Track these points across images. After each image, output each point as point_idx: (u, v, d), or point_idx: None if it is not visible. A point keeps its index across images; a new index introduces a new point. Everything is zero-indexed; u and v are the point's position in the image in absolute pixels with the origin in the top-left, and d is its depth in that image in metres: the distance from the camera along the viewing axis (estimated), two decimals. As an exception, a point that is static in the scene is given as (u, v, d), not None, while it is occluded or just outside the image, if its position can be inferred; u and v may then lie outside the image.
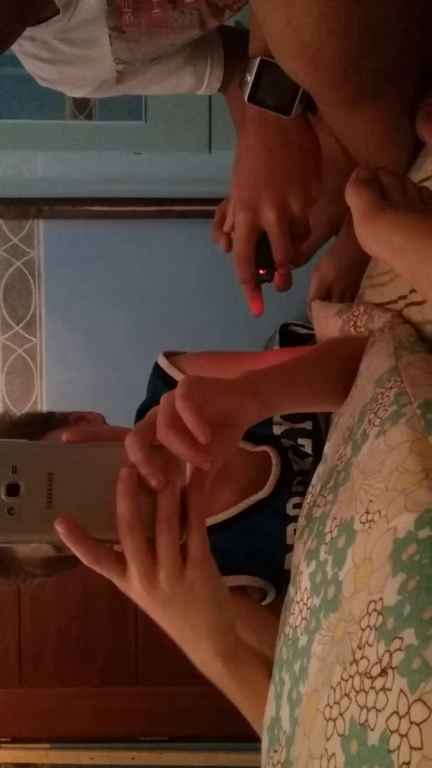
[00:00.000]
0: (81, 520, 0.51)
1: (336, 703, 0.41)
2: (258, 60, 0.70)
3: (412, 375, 0.55)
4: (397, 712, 0.35)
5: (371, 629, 0.41)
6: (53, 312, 1.81)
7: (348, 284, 1.00)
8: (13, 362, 1.84)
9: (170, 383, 0.91)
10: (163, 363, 0.93)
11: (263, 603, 0.92)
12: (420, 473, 0.44)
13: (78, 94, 0.92)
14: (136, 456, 0.51)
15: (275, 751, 0.48)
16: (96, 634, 1.88)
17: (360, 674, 0.40)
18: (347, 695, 0.40)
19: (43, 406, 1.83)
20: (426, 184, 0.70)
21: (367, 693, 0.39)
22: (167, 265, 1.77)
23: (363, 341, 0.73)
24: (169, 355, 0.95)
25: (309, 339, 1.10)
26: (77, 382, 1.83)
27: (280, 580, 0.89)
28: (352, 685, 0.40)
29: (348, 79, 0.60)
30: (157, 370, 0.94)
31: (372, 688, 0.38)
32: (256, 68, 0.70)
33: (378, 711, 0.37)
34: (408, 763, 0.32)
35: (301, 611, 0.52)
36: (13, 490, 0.50)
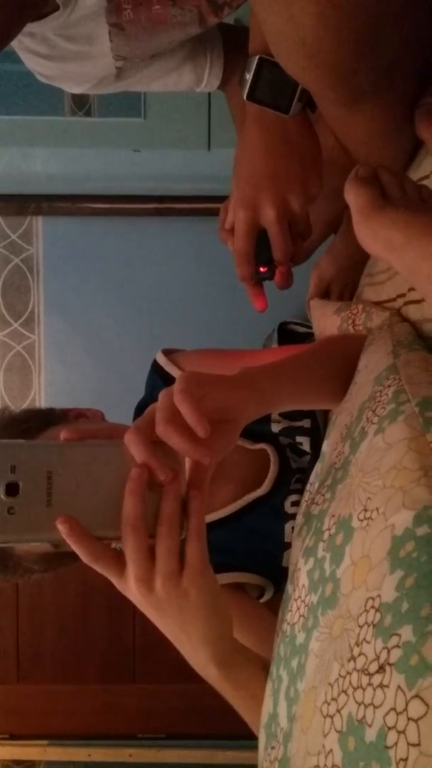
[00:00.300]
0: (80, 518, 0.51)
1: (334, 699, 0.41)
2: (257, 58, 0.70)
3: (410, 373, 0.55)
4: (394, 709, 0.35)
5: (369, 626, 0.41)
6: (52, 309, 1.81)
7: (347, 282, 1.00)
8: (11, 359, 1.83)
9: (168, 380, 0.91)
10: (162, 360, 0.93)
11: (261, 600, 0.93)
12: (418, 471, 0.44)
13: (77, 90, 0.92)
14: (138, 452, 0.51)
15: (272, 748, 0.48)
16: (94, 631, 1.88)
17: (358, 671, 0.40)
18: (345, 692, 0.40)
19: (42, 403, 1.83)
20: (425, 182, 0.70)
21: (364, 690, 0.39)
22: (166, 263, 1.77)
23: (361, 339, 0.73)
24: (167, 353, 0.95)
25: (308, 337, 1.10)
26: (76, 379, 1.83)
27: (278, 577, 0.89)
28: (350, 682, 0.40)
29: (347, 78, 0.60)
30: (156, 367, 0.94)
31: (370, 684, 0.38)
32: (255, 66, 0.70)
33: (376, 707, 0.37)
34: (405, 760, 0.33)
35: (299, 608, 0.52)
36: (12, 489, 0.51)
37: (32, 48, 0.83)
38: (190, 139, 1.60)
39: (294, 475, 0.90)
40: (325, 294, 1.03)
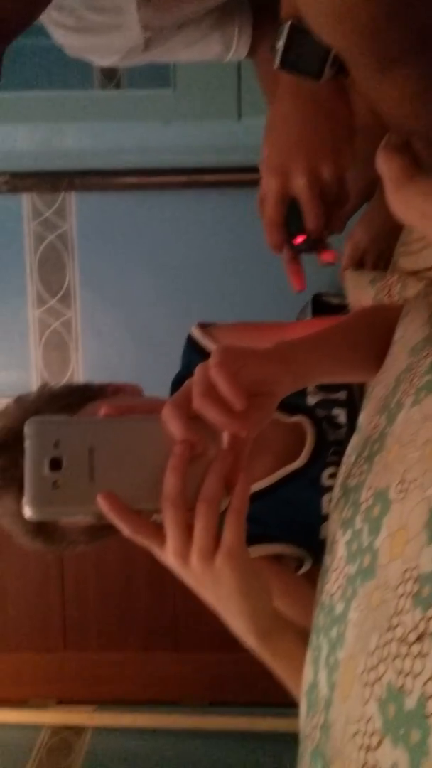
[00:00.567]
0: (121, 492, 0.52)
1: (373, 668, 0.42)
2: (288, 24, 0.69)
3: (447, 343, 0.55)
4: (433, 678, 0.35)
5: (407, 596, 0.41)
6: (87, 285, 1.82)
7: (381, 251, 0.98)
8: (49, 336, 1.86)
9: (204, 354, 0.91)
10: (197, 334, 0.94)
11: (300, 572, 0.94)
12: (456, 442, 0.43)
13: (106, 62, 0.92)
14: (175, 427, 0.52)
15: (314, 715, 0.49)
16: (137, 601, 1.92)
17: (397, 640, 0.40)
18: (384, 661, 0.41)
19: (80, 379, 1.85)
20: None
21: (403, 659, 0.39)
22: (199, 236, 1.76)
23: (397, 310, 0.72)
24: (202, 326, 0.95)
25: (342, 309, 1.09)
26: (113, 354, 1.84)
27: (317, 549, 0.90)
28: (389, 651, 0.41)
29: (379, 40, 0.58)
30: (191, 341, 0.94)
31: (409, 654, 0.39)
32: (286, 33, 0.69)
33: (415, 676, 0.38)
34: (444, 727, 0.33)
35: (337, 579, 0.52)
36: (56, 464, 0.52)
37: (60, 21, 0.83)
38: (220, 109, 1.58)
39: (331, 447, 0.90)
40: (359, 264, 1.02)
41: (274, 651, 0.58)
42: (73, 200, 1.78)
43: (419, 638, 0.39)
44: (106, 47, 0.88)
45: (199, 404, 0.52)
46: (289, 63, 0.70)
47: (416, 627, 0.39)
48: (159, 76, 1.60)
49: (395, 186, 0.57)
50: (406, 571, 0.42)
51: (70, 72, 1.65)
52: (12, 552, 1.87)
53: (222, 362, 0.53)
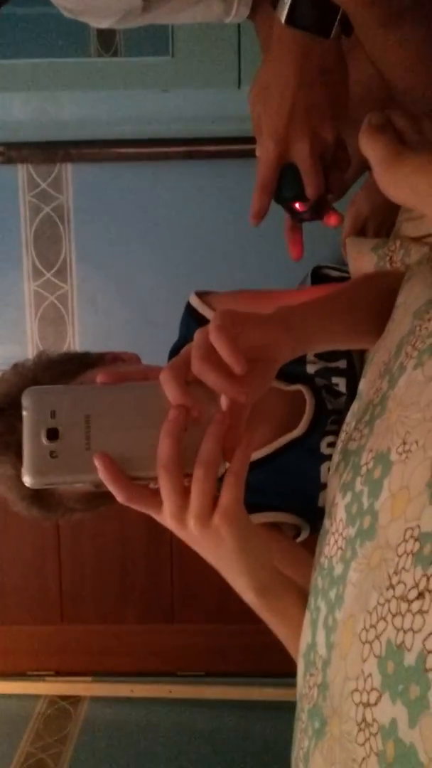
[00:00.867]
0: (119, 459, 0.52)
1: (372, 626, 0.42)
2: None
3: (450, 305, 0.54)
4: (434, 632, 0.35)
5: (408, 555, 0.41)
6: (84, 258, 1.81)
7: (383, 219, 0.97)
8: (45, 310, 1.84)
9: (202, 322, 0.90)
10: (195, 302, 0.93)
11: (297, 540, 0.94)
12: (459, 401, 0.43)
13: (103, 24, 0.89)
14: (172, 390, 0.51)
15: (311, 675, 0.49)
16: (133, 573, 1.94)
17: (396, 598, 0.40)
18: (383, 619, 0.41)
19: (77, 353, 1.84)
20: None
21: (403, 616, 0.39)
22: (198, 207, 1.74)
23: (399, 275, 0.71)
24: (200, 295, 0.94)
25: (342, 281, 1.08)
26: (109, 327, 1.83)
27: (314, 517, 0.90)
28: (389, 609, 0.41)
29: None
30: (189, 309, 0.94)
31: (409, 611, 0.39)
32: None
33: (415, 632, 0.38)
34: (445, 680, 0.33)
35: (336, 541, 0.52)
36: (53, 434, 0.52)
37: (57, -20, 0.81)
38: (220, 77, 1.56)
39: (330, 416, 0.90)
40: (361, 231, 1.01)
41: (275, 608, 0.58)
42: (69, 171, 1.76)
43: (420, 595, 0.39)
44: (104, 8, 0.86)
45: (199, 368, 0.51)
46: (297, 20, 0.68)
47: (417, 584, 0.39)
48: (157, 43, 1.57)
49: (384, 166, 0.56)
50: (407, 530, 0.42)
51: (66, 40, 1.62)
52: (9, 525, 1.88)
53: (222, 326, 0.52)
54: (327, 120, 0.72)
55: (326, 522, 0.57)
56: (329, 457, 0.87)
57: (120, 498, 0.52)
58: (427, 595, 0.38)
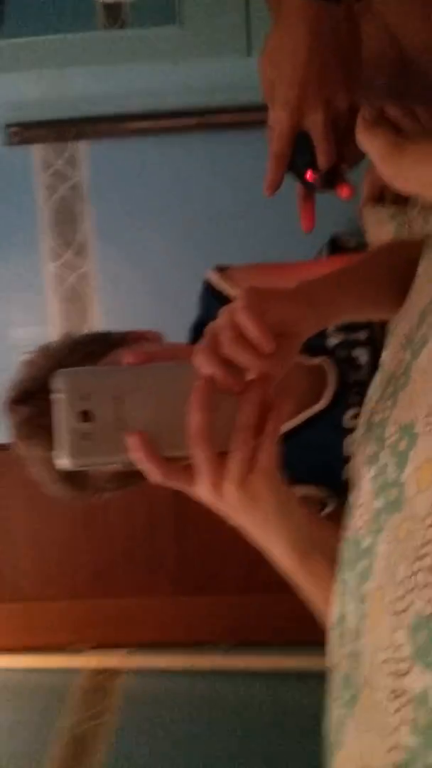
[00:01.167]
0: (150, 439, 0.52)
1: (401, 598, 0.42)
2: None
3: (472, 273, 0.53)
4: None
5: (435, 527, 0.41)
6: (102, 235, 1.80)
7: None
8: (66, 290, 1.85)
9: (221, 298, 0.90)
10: (214, 278, 0.92)
11: (323, 513, 0.94)
12: None
13: None
14: (211, 369, 0.52)
15: (343, 645, 0.50)
16: (164, 547, 1.96)
17: (425, 570, 0.40)
18: (412, 591, 0.41)
19: (99, 331, 1.85)
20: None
21: (432, 587, 0.39)
22: (212, 178, 1.72)
23: (419, 245, 0.70)
24: (219, 270, 0.94)
25: (359, 251, 1.07)
26: (131, 305, 1.83)
27: (340, 490, 0.90)
28: (417, 581, 0.41)
29: None
30: (208, 286, 0.93)
31: (437, 582, 0.39)
32: None
33: (443, 604, 0.38)
34: None
35: (362, 515, 0.53)
36: (85, 416, 0.52)
37: None
38: (229, 45, 1.53)
39: (353, 388, 0.89)
40: (378, 200, 0.99)
41: (315, 571, 0.58)
42: (83, 149, 1.75)
43: (448, 567, 0.39)
44: None
45: (231, 350, 0.52)
46: None
47: (444, 556, 0.39)
48: (164, 12, 1.54)
49: (386, 162, 0.55)
50: (433, 502, 0.42)
51: (71, 14, 1.60)
52: (42, 505, 1.91)
53: (248, 305, 0.52)
54: (340, 87, 0.71)
55: (352, 495, 0.58)
56: (353, 430, 0.87)
57: (155, 476, 0.53)
58: (454, 566, 0.38)
